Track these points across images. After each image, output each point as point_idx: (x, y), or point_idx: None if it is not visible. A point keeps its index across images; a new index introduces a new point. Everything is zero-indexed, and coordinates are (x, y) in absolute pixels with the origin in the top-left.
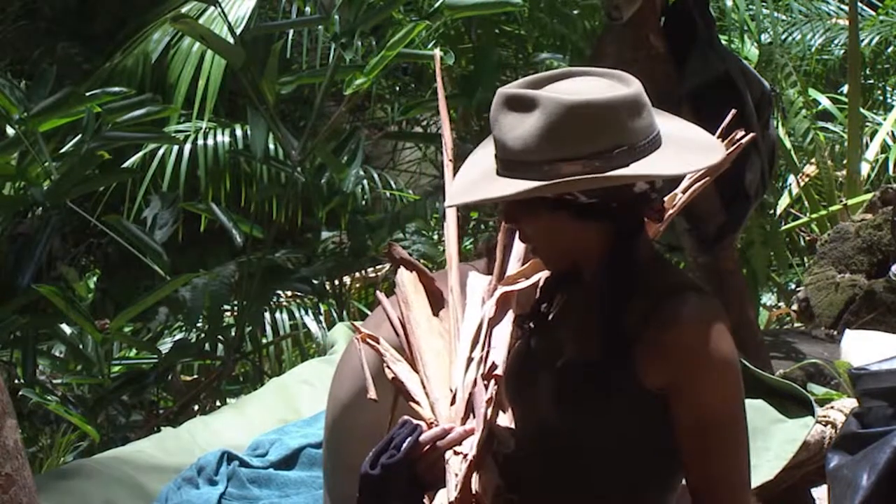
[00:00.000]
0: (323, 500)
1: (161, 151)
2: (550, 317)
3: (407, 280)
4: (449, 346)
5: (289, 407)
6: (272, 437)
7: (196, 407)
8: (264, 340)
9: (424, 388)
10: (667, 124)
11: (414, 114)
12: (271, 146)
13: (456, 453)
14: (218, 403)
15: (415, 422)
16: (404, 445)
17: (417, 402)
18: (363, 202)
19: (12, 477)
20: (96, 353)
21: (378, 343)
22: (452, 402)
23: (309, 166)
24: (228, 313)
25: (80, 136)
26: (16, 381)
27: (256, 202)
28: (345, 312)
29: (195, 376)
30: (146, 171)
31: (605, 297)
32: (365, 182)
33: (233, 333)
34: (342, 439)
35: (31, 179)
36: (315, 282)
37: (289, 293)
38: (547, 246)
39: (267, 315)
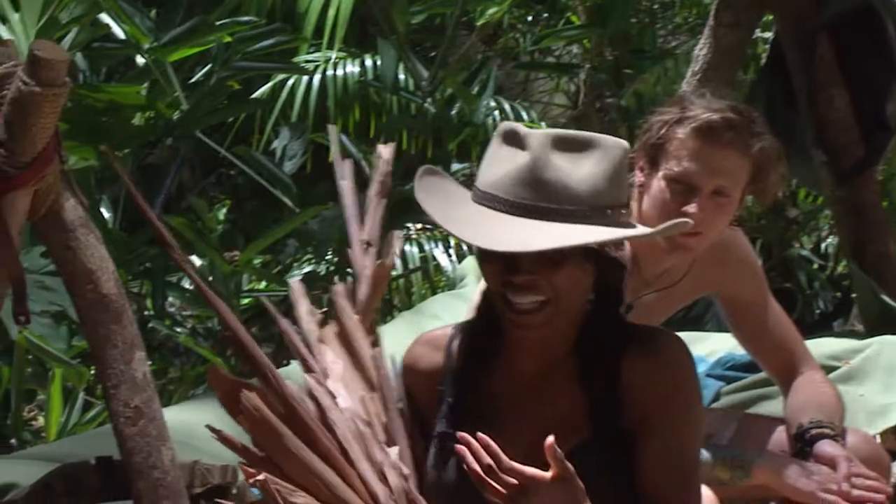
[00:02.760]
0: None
1: (290, 82)
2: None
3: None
4: None
5: None
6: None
7: None
8: (393, 273)
9: None
10: None
11: (547, 43)
12: (401, 76)
13: None
14: None
15: None
16: None
17: None
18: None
19: (141, 409)
20: (226, 286)
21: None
22: None
23: (439, 97)
24: None
25: (209, 66)
26: (145, 313)
27: (386, 133)
28: None
29: (324, 309)
30: (275, 102)
31: (594, 359)
32: (496, 113)
33: None
34: None
35: (161, 109)
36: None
37: (418, 225)
38: (569, 297)
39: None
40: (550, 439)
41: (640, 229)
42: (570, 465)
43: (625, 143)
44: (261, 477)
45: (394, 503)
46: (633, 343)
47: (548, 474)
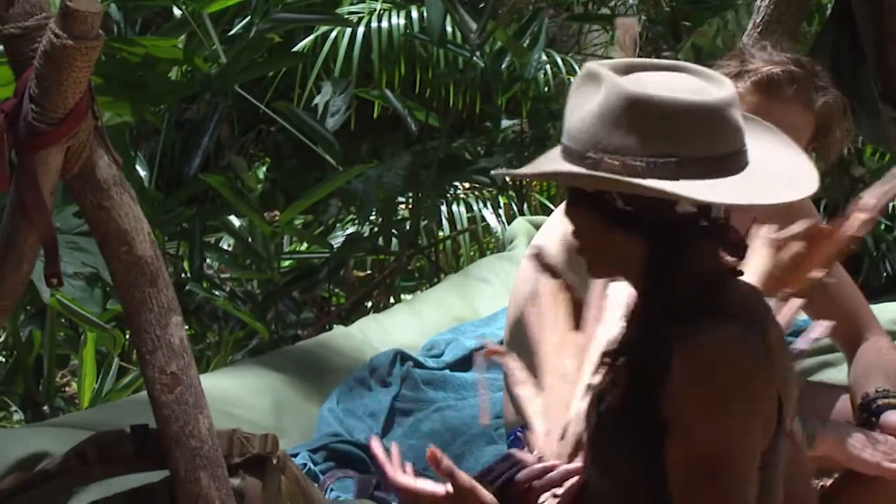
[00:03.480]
0: (502, 402)
1: (333, 34)
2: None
3: (547, 290)
4: (579, 369)
5: (466, 305)
6: (448, 337)
7: (369, 304)
8: (441, 234)
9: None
10: (767, 148)
11: None
12: (448, 28)
13: (554, 496)
14: (392, 301)
15: (518, 456)
16: (498, 482)
17: (531, 430)
18: (545, 89)
19: (178, 376)
20: (265, 247)
21: (504, 357)
22: (562, 436)
23: (488, 50)
24: (403, 206)
25: (248, 17)
26: (182, 276)
27: (432, 88)
28: (525, 206)
29: (368, 272)
30: (317, 56)
31: (640, 326)
32: (548, 67)
33: (407, 227)
34: (524, 341)
35: (199, 64)
36: (494, 172)
37: (466, 185)
38: (585, 247)
39: (443, 208)
40: (431, 449)
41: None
42: (468, 482)
43: (628, 89)
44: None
45: None
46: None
47: (440, 490)
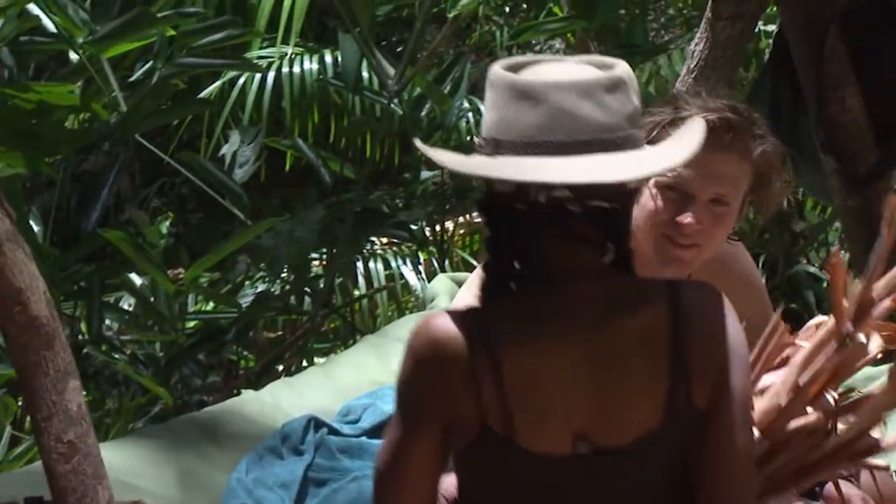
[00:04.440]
0: None
1: (241, 80)
2: None
3: None
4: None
5: (384, 367)
6: (365, 402)
7: (280, 367)
8: (357, 293)
9: None
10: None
11: (526, 38)
12: (365, 74)
13: None
14: (304, 364)
15: None
16: None
17: None
18: (468, 137)
19: (75, 444)
20: (169, 307)
21: None
22: None
23: (407, 97)
24: (316, 262)
25: (150, 62)
26: (80, 338)
27: (348, 137)
28: (447, 262)
29: (279, 333)
30: (225, 103)
31: None
32: (470, 115)
33: (321, 285)
34: None
35: (97, 111)
36: (413, 227)
37: (384, 240)
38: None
39: (359, 265)
40: None
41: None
42: None
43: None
44: None
45: None
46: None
47: None
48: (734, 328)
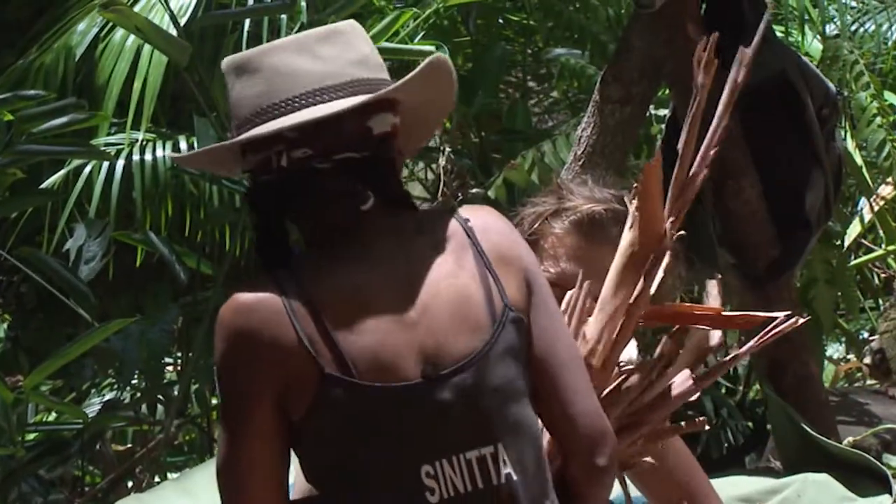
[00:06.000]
0: None
1: (88, 169)
2: None
3: None
4: None
5: None
6: None
7: (130, 483)
8: (214, 401)
9: None
10: None
11: None
12: None
13: None
14: (157, 479)
15: None
16: None
17: None
18: None
19: None
20: (6, 417)
21: None
22: None
23: None
24: (171, 367)
25: None
26: None
27: (205, 231)
28: None
29: (129, 445)
30: (69, 194)
31: None
32: None
33: (175, 392)
34: None
35: None
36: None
37: None
38: None
39: None
40: None
41: None
42: None
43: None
44: None
45: None
46: None
47: None
48: (518, 235)
